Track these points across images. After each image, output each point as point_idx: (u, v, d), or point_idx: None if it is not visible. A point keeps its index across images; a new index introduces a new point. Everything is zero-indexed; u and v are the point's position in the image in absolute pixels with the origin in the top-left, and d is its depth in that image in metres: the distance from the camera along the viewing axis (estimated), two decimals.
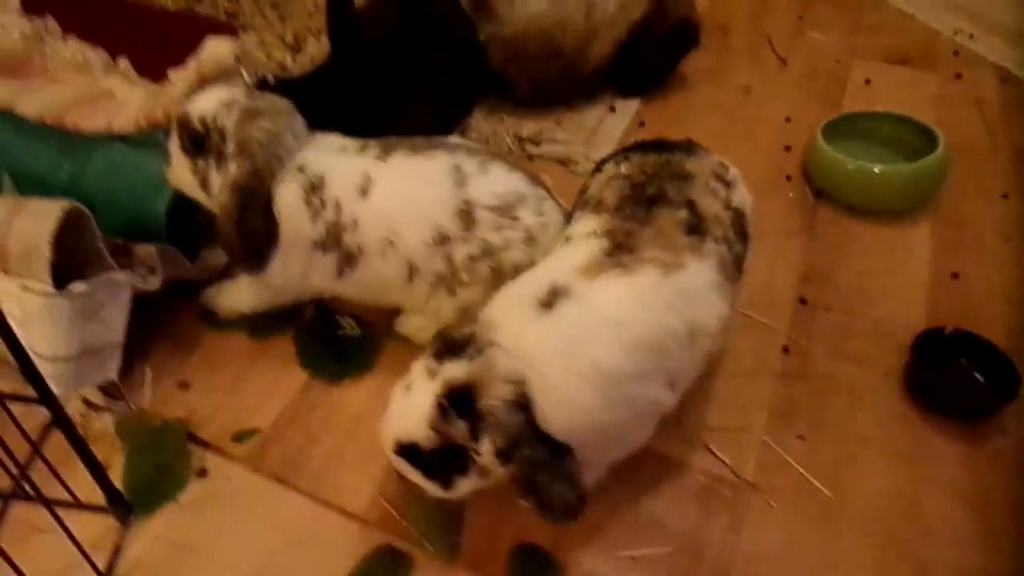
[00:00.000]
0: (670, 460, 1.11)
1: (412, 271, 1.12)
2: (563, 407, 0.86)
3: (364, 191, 1.08)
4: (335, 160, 1.11)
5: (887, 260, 1.45)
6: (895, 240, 1.49)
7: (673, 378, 0.94)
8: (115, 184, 1.19)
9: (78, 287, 0.94)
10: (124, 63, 1.35)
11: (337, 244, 1.10)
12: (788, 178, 1.61)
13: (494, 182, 1.11)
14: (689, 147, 1.09)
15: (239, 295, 1.23)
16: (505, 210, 1.10)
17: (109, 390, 1.11)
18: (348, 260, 1.12)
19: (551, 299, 0.89)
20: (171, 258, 1.16)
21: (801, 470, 1.11)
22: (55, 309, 0.93)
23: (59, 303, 0.93)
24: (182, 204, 1.19)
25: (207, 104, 1.06)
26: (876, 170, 1.50)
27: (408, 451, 0.89)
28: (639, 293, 0.90)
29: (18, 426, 0.87)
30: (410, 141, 1.13)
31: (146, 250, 1.13)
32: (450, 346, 0.88)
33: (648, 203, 0.98)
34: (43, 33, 1.35)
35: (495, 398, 0.84)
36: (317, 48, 1.73)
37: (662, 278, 0.90)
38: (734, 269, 1.00)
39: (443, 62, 1.48)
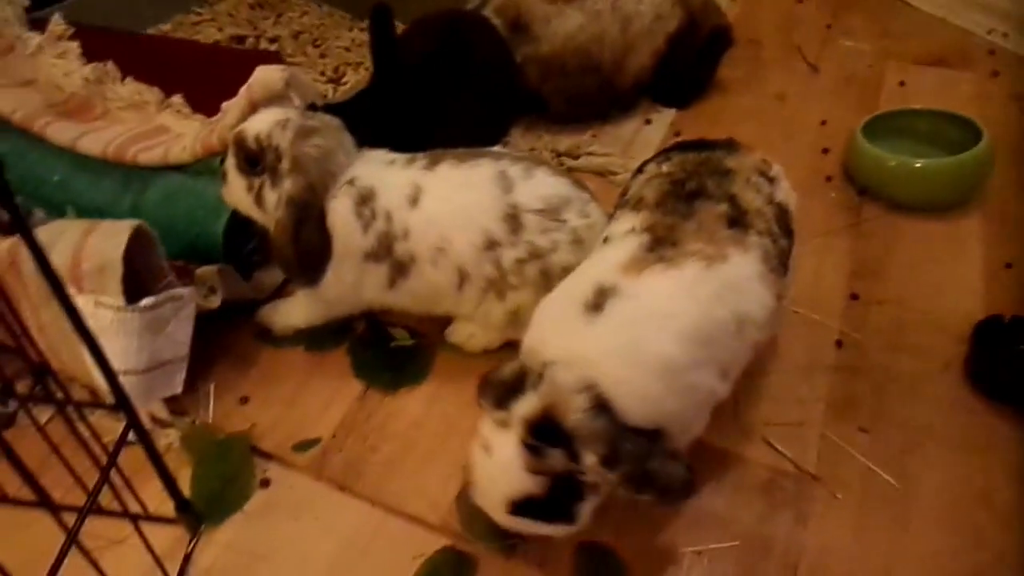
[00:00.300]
0: (729, 455, 1.10)
1: (463, 277, 1.14)
2: (638, 400, 0.85)
3: (414, 200, 1.11)
4: (384, 172, 1.14)
5: (937, 253, 1.43)
6: (944, 234, 1.47)
7: (725, 368, 0.94)
8: (173, 211, 1.23)
9: (146, 302, 0.98)
10: (178, 99, 1.42)
11: (389, 254, 1.13)
12: (829, 179, 1.61)
13: (539, 186, 1.13)
14: (730, 145, 1.09)
15: (293, 311, 1.26)
16: (551, 213, 1.12)
17: (174, 407, 1.14)
18: (400, 269, 1.14)
19: (600, 300, 0.88)
20: (229, 278, 1.20)
21: (865, 461, 1.09)
22: (126, 323, 0.97)
23: (130, 317, 0.97)
24: (237, 227, 1.24)
25: (262, 124, 1.11)
26: (917, 165, 1.50)
27: (523, 506, 0.87)
28: (686, 285, 0.89)
29: (97, 439, 0.90)
30: (455, 152, 1.16)
31: (206, 271, 1.17)
32: (506, 390, 0.87)
33: (688, 198, 0.98)
34: (103, 76, 1.42)
35: (576, 412, 0.82)
36: (357, 79, 1.80)
37: (706, 270, 0.90)
38: (779, 263, 0.99)
39: (480, 83, 1.52)
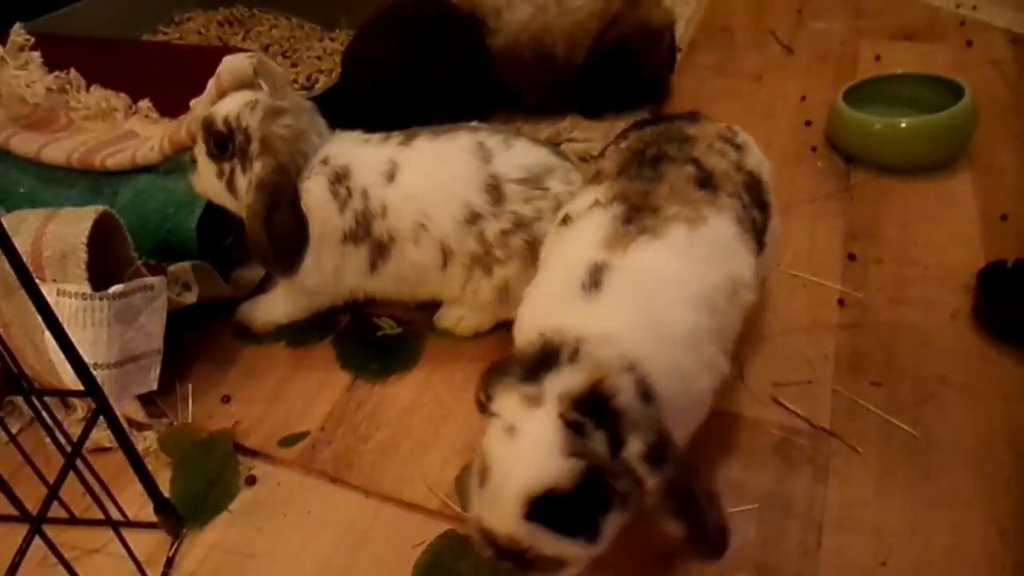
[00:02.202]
0: (741, 419, 1.05)
1: (446, 255, 1.09)
2: (673, 378, 0.76)
3: (390, 176, 1.07)
4: (359, 150, 1.10)
5: (931, 210, 1.41)
6: (935, 191, 1.45)
7: (726, 338, 0.87)
8: (144, 208, 1.19)
9: (115, 289, 0.93)
10: (146, 104, 1.38)
11: (368, 234, 1.08)
12: (814, 149, 1.59)
13: (519, 155, 1.10)
14: (692, 116, 1.04)
15: (273, 307, 1.21)
16: (534, 181, 1.09)
17: (151, 409, 1.08)
18: (380, 251, 1.10)
19: (596, 277, 0.79)
20: (205, 275, 1.14)
21: (881, 413, 1.04)
22: (94, 313, 0.91)
23: (97, 306, 0.91)
24: (213, 222, 1.19)
25: (231, 105, 1.07)
26: (903, 125, 1.48)
27: (543, 507, 0.69)
28: (677, 252, 0.83)
29: (66, 436, 0.83)
30: (431, 128, 1.13)
31: (180, 267, 1.12)
32: (536, 363, 0.74)
33: (653, 162, 0.92)
34: (67, 86, 1.38)
35: (625, 391, 0.71)
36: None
37: (691, 233, 0.84)
38: (752, 232, 0.92)
39: (455, 69, 1.49)
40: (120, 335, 0.95)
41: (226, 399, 1.12)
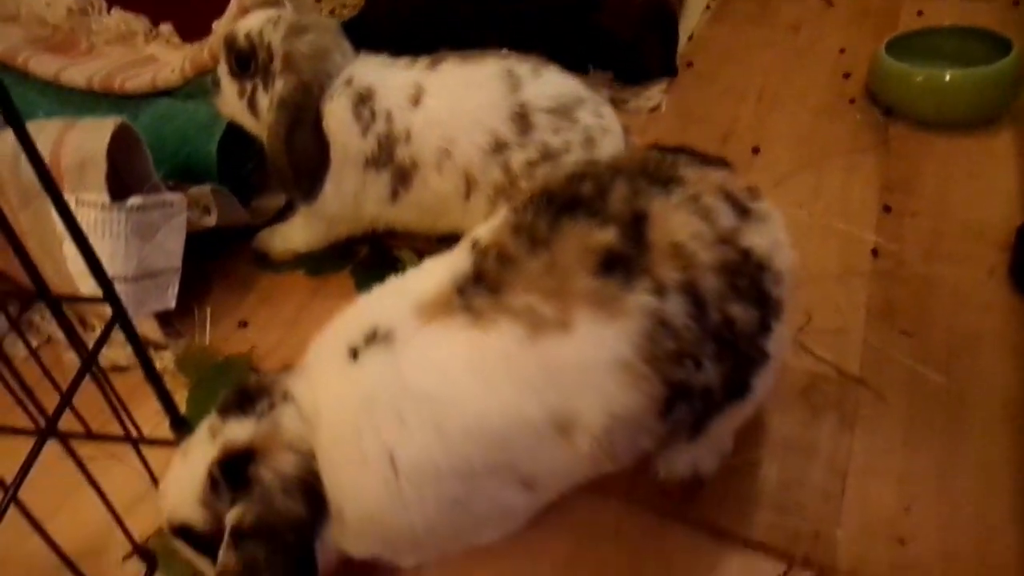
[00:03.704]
0: None
1: (469, 184, 1.06)
2: (352, 497, 0.65)
3: (415, 100, 1.04)
4: (384, 72, 1.07)
5: (970, 167, 1.36)
6: (975, 148, 1.40)
7: (530, 477, 0.66)
8: (164, 131, 1.17)
9: (134, 201, 0.91)
10: (167, 28, 1.35)
11: (390, 159, 1.05)
12: (852, 101, 1.54)
13: (549, 84, 1.06)
14: (719, 162, 0.77)
15: (292, 234, 1.19)
16: (563, 112, 1.05)
17: (167, 330, 1.07)
18: (402, 178, 1.07)
19: (364, 344, 0.66)
20: (224, 200, 1.13)
21: (912, 363, 1.01)
22: (112, 224, 0.90)
23: (115, 217, 0.90)
24: (234, 148, 1.17)
25: (253, 22, 1.04)
26: (947, 78, 1.42)
27: (181, 532, 0.69)
28: (481, 361, 0.62)
29: (86, 348, 0.82)
30: (459, 53, 1.09)
31: (200, 191, 1.10)
32: (241, 399, 0.69)
33: (561, 210, 0.65)
34: (87, 7, 1.36)
35: (271, 468, 0.64)
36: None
37: (524, 343, 0.61)
38: (714, 345, 0.64)
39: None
40: (138, 249, 0.93)
41: (243, 324, 1.11)
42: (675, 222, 0.65)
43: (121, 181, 0.96)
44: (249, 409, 0.68)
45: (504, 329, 0.62)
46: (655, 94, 1.57)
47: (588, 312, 0.61)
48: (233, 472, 0.65)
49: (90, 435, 0.89)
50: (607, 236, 0.63)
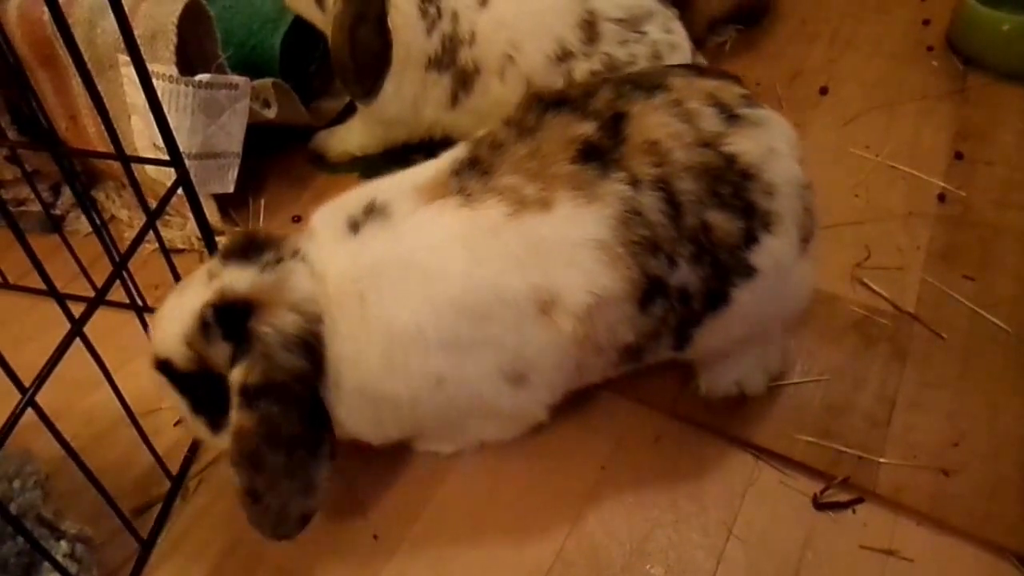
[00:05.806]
0: (818, 294, 1.00)
1: None
2: (351, 364, 0.66)
3: (483, 0, 1.03)
4: None
5: None
6: None
7: (511, 363, 0.68)
8: (231, 23, 1.17)
9: (202, 77, 0.92)
10: None
11: (453, 62, 1.04)
12: (930, 48, 1.47)
13: None
14: (723, 74, 0.76)
15: (350, 136, 1.19)
16: (632, 23, 1.03)
17: (224, 217, 1.09)
18: (464, 82, 1.06)
19: (364, 218, 0.67)
20: (285, 95, 1.13)
21: (972, 305, 0.98)
22: (179, 98, 0.91)
23: (183, 91, 0.91)
24: (299, 46, 1.17)
25: None
26: None
27: (166, 369, 0.68)
28: (470, 236, 0.65)
29: (148, 210, 0.84)
30: None
31: (262, 83, 1.10)
32: (246, 246, 0.68)
33: (548, 108, 0.70)
34: None
35: (271, 325, 0.63)
36: None
37: (508, 219, 0.64)
38: (691, 246, 0.66)
39: None
40: (203, 127, 0.94)
41: (297, 219, 1.12)
42: (652, 121, 0.67)
43: (188, 59, 0.96)
44: (254, 258, 0.67)
45: (491, 205, 0.65)
46: (725, 28, 1.52)
47: (567, 194, 0.65)
48: (227, 321, 0.64)
49: (145, 307, 0.92)
50: (586, 128, 0.67)
